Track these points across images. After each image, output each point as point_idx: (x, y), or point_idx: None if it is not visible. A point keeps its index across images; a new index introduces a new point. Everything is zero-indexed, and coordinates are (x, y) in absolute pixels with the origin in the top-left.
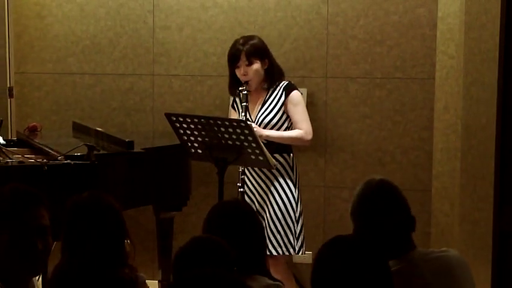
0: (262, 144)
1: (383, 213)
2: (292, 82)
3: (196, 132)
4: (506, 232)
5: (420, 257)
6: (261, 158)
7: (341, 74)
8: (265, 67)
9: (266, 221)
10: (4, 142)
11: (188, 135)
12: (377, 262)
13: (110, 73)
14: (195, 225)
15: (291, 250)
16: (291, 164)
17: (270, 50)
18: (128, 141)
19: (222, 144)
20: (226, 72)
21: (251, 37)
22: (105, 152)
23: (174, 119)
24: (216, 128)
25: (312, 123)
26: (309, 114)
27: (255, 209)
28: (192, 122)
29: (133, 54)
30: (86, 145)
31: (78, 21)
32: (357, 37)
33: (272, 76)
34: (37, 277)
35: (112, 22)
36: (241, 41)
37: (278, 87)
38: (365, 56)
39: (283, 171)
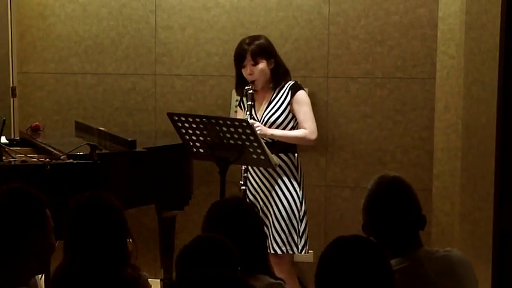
0: (263, 143)
1: (395, 210)
2: (299, 82)
3: (198, 132)
4: (507, 231)
5: (425, 255)
6: (262, 157)
7: (342, 74)
8: (271, 67)
9: (270, 220)
10: (7, 141)
11: (190, 135)
12: (380, 263)
13: (112, 73)
14: (197, 225)
15: (295, 249)
16: (296, 164)
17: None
18: (130, 140)
19: (224, 143)
20: (228, 72)
21: (257, 37)
22: (108, 152)
23: (176, 118)
24: (217, 128)
25: None
26: None
27: (259, 207)
28: (194, 122)
29: (136, 54)
30: (89, 144)
31: (81, 21)
32: (358, 37)
33: (278, 76)
34: (40, 276)
35: (114, 22)
36: (247, 40)
37: (284, 87)
38: (366, 55)
39: (287, 171)
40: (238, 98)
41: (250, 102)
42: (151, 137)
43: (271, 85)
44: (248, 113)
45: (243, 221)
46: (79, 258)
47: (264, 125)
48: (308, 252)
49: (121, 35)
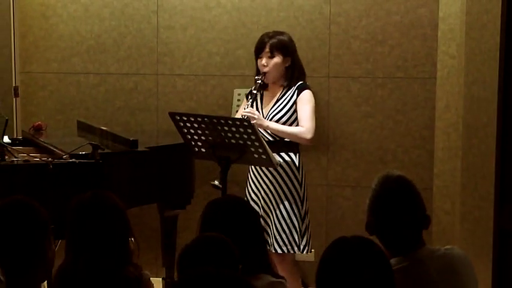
0: (265, 143)
1: (400, 210)
2: (308, 83)
3: (199, 131)
4: (507, 230)
5: (427, 254)
6: (263, 156)
7: (343, 74)
8: (287, 65)
9: (271, 219)
10: (10, 141)
11: (192, 134)
12: (380, 264)
13: (114, 73)
14: None
15: (296, 248)
16: (297, 164)
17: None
18: (132, 140)
19: (225, 143)
20: (230, 71)
21: (281, 32)
22: (110, 151)
23: (178, 118)
24: (219, 127)
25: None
26: None
27: (260, 206)
28: (196, 121)
29: (138, 54)
30: (91, 144)
31: (83, 21)
32: (359, 37)
33: (292, 75)
34: None
35: (116, 22)
36: (270, 33)
37: (293, 87)
38: (367, 55)
39: (288, 170)
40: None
41: (255, 91)
42: (153, 137)
43: (282, 83)
44: (251, 100)
45: (239, 219)
46: (81, 258)
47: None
48: (310, 252)
49: (123, 35)
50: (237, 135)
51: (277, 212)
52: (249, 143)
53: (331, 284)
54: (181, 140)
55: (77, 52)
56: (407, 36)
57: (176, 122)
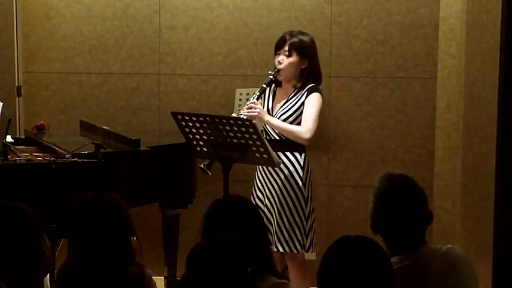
0: (266, 142)
1: (405, 208)
2: (320, 86)
3: (201, 131)
4: (507, 230)
5: (429, 253)
6: (265, 156)
7: (344, 74)
8: (303, 67)
9: (274, 218)
10: (12, 140)
11: (194, 134)
12: (382, 264)
13: (117, 72)
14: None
15: (299, 248)
16: (302, 164)
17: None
18: (134, 139)
19: (227, 142)
20: (231, 71)
21: (303, 33)
22: (112, 150)
23: (180, 117)
24: (221, 127)
25: None
26: None
27: (264, 204)
28: (198, 121)
29: (140, 53)
30: (93, 143)
31: (85, 21)
32: (360, 37)
33: (306, 78)
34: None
35: (119, 22)
36: (293, 32)
37: (304, 88)
38: (368, 55)
39: (293, 170)
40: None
41: (264, 85)
42: (155, 136)
43: (295, 84)
44: (258, 93)
45: (243, 219)
46: (83, 257)
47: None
48: (314, 251)
49: (125, 35)
50: (239, 135)
51: (281, 210)
52: (250, 142)
53: (333, 283)
54: (183, 140)
55: (80, 52)
56: (408, 36)
57: (178, 122)
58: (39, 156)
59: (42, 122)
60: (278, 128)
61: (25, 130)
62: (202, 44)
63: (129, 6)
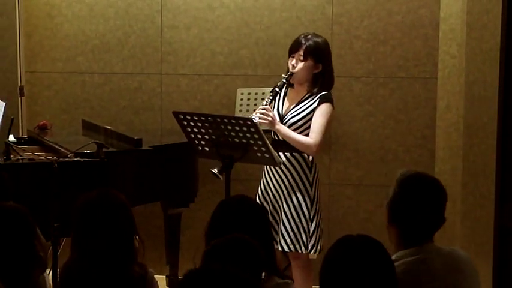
0: (267, 142)
1: (427, 199)
2: (331, 95)
3: (203, 130)
4: (507, 228)
5: (435, 250)
6: (266, 155)
7: (345, 73)
8: (316, 71)
9: (280, 218)
10: (15, 140)
11: (195, 133)
12: (383, 263)
13: (119, 72)
14: (202, 222)
15: (303, 248)
16: (309, 164)
17: (276, 49)
18: (137, 139)
19: (229, 142)
20: (233, 71)
21: (318, 35)
22: (114, 150)
23: (182, 117)
24: (222, 126)
25: None
26: None
27: (269, 203)
28: (199, 120)
29: (142, 53)
30: (95, 143)
31: (88, 21)
32: (360, 37)
33: (320, 83)
34: (48, 272)
35: (121, 22)
36: (308, 36)
37: (317, 95)
38: (369, 55)
39: (299, 170)
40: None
41: (277, 89)
42: (157, 136)
43: (308, 87)
44: (271, 98)
45: (249, 220)
46: (87, 256)
47: (284, 123)
48: (320, 252)
49: (127, 35)
50: (240, 134)
51: (286, 210)
52: (252, 141)
53: (335, 282)
54: (185, 139)
55: (82, 52)
56: (409, 36)
57: (180, 121)
58: (41, 156)
59: (44, 121)
60: (287, 137)
61: (27, 130)
62: (204, 44)
63: (131, 6)
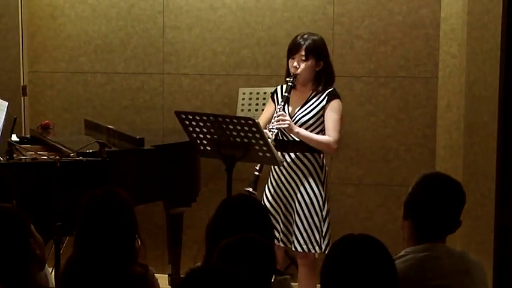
0: (269, 141)
1: (447, 196)
2: (338, 90)
3: (205, 130)
4: (508, 227)
5: (446, 250)
6: (268, 154)
7: (346, 73)
8: (318, 69)
9: (293, 218)
10: (18, 139)
11: (197, 133)
12: (384, 262)
13: (121, 72)
14: (204, 221)
15: (317, 248)
16: (321, 164)
17: (277, 49)
18: (139, 138)
19: (230, 141)
20: (235, 71)
21: (313, 34)
22: (116, 149)
23: (184, 116)
24: (224, 126)
25: None
26: None
27: (282, 205)
28: (201, 120)
29: (144, 53)
30: (98, 142)
31: (90, 22)
32: (361, 37)
33: (322, 80)
34: (50, 270)
35: (123, 22)
36: (305, 35)
37: (324, 92)
38: (370, 55)
39: (312, 170)
40: (273, 90)
41: (286, 94)
42: (159, 135)
43: (311, 86)
44: (282, 104)
45: (251, 218)
46: (89, 253)
47: (295, 123)
48: None
49: (130, 35)
50: (242, 134)
51: (299, 210)
52: (253, 141)
53: (336, 281)
54: (186, 139)
55: (85, 52)
56: (410, 36)
57: (182, 121)
58: (44, 155)
59: (47, 121)
60: (307, 138)
61: (30, 129)
62: (206, 44)
63: (134, 6)
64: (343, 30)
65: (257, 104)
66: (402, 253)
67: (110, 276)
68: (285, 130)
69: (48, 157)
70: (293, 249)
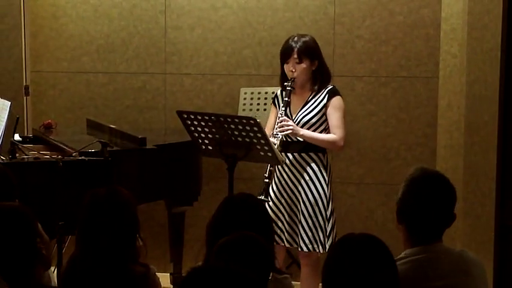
0: (270, 140)
1: (435, 197)
2: (337, 87)
3: (206, 129)
4: (508, 226)
5: (443, 250)
6: (269, 154)
7: (347, 73)
8: (314, 68)
9: (298, 217)
10: (20, 139)
11: (199, 132)
12: (386, 261)
13: (123, 72)
14: (206, 220)
15: (321, 248)
16: (325, 163)
17: (279, 49)
18: (141, 138)
19: (232, 140)
20: (236, 71)
21: (304, 35)
22: (119, 149)
23: (186, 116)
24: (225, 125)
25: None
26: None
27: (286, 205)
28: (203, 119)
29: (146, 53)
30: (100, 142)
31: (92, 22)
32: (362, 37)
33: (319, 78)
34: (52, 269)
35: (125, 22)
36: (295, 38)
37: (323, 90)
38: (371, 55)
39: (316, 169)
40: (274, 94)
41: (286, 99)
42: (161, 135)
43: (310, 86)
44: (283, 108)
45: (251, 217)
46: (91, 252)
47: (297, 124)
48: None
49: (131, 35)
50: (243, 133)
51: (303, 210)
52: (255, 140)
53: (337, 280)
54: (188, 138)
55: (87, 52)
56: (410, 36)
57: (183, 120)
58: (46, 155)
59: (49, 120)
60: (312, 139)
61: (33, 129)
62: (207, 44)
63: (136, 6)
64: (344, 30)
65: (258, 104)
66: (402, 255)
67: (111, 275)
68: (290, 134)
69: (50, 157)
70: (299, 249)
